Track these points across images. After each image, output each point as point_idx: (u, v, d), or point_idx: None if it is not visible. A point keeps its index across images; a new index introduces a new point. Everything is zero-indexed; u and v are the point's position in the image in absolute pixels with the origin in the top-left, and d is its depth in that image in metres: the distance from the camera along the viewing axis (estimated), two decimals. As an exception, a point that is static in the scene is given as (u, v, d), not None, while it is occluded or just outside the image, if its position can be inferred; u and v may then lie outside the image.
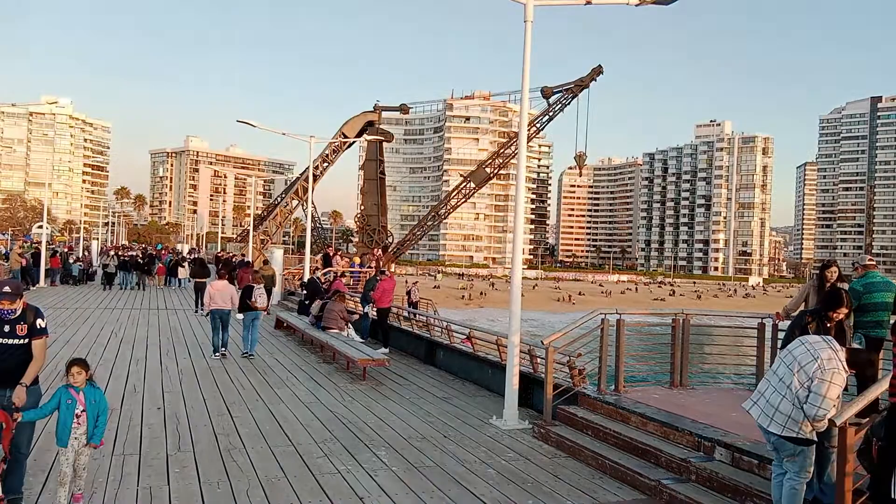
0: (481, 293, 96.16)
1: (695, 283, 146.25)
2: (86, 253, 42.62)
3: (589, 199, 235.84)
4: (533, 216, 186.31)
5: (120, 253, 36.19)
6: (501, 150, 64.85)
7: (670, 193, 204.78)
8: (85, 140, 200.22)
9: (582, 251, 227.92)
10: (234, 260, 33.30)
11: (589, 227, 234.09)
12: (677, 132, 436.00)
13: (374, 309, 16.48)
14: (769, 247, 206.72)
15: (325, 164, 59.89)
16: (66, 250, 43.49)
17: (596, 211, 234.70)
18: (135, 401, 9.66)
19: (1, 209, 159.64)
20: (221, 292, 14.27)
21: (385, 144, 61.65)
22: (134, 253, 36.46)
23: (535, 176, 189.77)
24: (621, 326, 8.78)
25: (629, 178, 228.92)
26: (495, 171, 64.88)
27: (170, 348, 14.64)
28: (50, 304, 23.00)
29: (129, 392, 10.22)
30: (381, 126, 60.81)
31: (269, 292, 21.03)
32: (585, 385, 9.09)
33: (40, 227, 42.17)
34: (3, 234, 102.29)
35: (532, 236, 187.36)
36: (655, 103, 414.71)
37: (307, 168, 42.52)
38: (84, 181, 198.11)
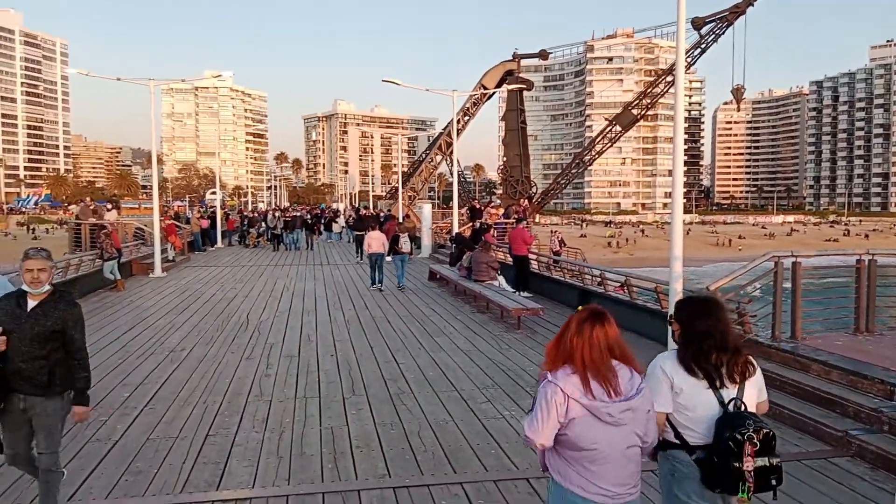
0: (627, 240, 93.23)
1: (860, 221, 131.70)
2: (255, 214, 46.01)
3: (748, 135, 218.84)
4: (685, 157, 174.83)
5: (285, 214, 38.60)
6: (649, 90, 61.61)
7: (842, 124, 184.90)
8: (245, 110, 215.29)
9: (741, 192, 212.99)
10: (380, 215, 35.08)
11: (748, 166, 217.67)
12: (848, 56, 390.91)
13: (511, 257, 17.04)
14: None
15: (466, 118, 60.02)
16: (240, 213, 47.15)
17: (756, 148, 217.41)
18: (310, 349, 10.44)
19: (178, 178, 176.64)
20: (375, 240, 17.90)
21: (525, 93, 60.59)
22: (298, 213, 38.79)
23: (686, 114, 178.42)
24: (797, 269, 8.15)
25: (794, 110, 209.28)
26: (643, 113, 61.89)
27: (336, 300, 15.61)
28: (227, 263, 25.29)
29: (304, 341, 11.04)
30: (520, 75, 59.74)
31: (412, 240, 24.43)
32: (757, 332, 8.59)
33: (213, 193, 46.13)
34: (182, 201, 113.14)
35: (685, 179, 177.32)
36: (821, 25, 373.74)
37: (449, 122, 42.92)
38: (247, 149, 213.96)
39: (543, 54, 66.53)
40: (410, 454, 5.96)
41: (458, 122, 54.21)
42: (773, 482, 3.07)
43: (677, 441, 3.15)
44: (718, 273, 8.76)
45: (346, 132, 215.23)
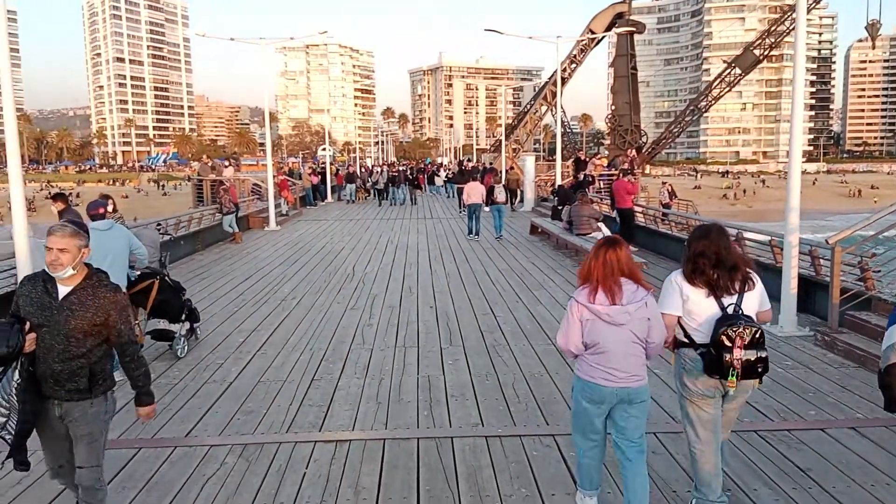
0: (745, 191, 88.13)
1: None
2: (362, 170, 47.15)
3: (885, 75, 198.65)
4: (813, 101, 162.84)
5: (393, 169, 39.22)
6: (773, 28, 57.22)
7: None
8: (353, 66, 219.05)
9: (875, 138, 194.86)
10: (480, 167, 35.19)
11: (885, 109, 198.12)
12: None
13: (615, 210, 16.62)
14: None
15: (573, 66, 58.14)
16: (349, 170, 48.43)
17: (893, 89, 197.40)
18: (411, 300, 10.69)
19: (291, 135, 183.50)
20: (474, 190, 18.83)
21: (636, 36, 57.78)
22: (403, 168, 39.33)
23: (815, 54, 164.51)
24: (931, 221, 7.44)
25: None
26: (765, 53, 57.73)
27: (437, 254, 15.84)
28: (336, 217, 26.17)
29: (405, 292, 11.32)
30: (631, 17, 56.96)
31: (513, 193, 27.06)
32: (881, 289, 7.96)
33: (324, 149, 47.61)
34: (295, 158, 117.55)
35: (812, 124, 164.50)
36: None
37: (555, 71, 41.73)
38: (355, 105, 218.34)
39: (656, -6, 62.95)
40: (504, 405, 6.04)
41: (564, 70, 52.67)
42: (760, 370, 3.71)
43: (687, 340, 3.87)
44: (845, 225, 8.13)
45: (450, 85, 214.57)
